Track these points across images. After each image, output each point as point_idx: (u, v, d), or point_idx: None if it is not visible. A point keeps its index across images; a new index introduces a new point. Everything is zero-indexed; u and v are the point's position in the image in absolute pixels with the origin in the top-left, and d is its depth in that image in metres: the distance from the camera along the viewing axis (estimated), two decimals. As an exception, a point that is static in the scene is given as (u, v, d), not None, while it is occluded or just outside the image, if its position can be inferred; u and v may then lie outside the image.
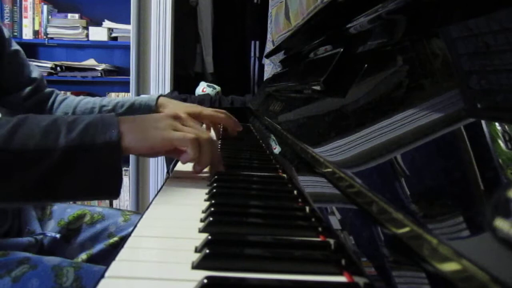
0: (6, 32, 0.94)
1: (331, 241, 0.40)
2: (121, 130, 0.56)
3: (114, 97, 2.63)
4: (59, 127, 0.54)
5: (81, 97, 1.06)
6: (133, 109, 1.01)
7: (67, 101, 1.04)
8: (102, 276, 0.33)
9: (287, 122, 0.84)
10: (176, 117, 0.64)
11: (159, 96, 1.03)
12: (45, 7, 2.63)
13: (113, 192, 0.55)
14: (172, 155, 0.66)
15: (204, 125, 1.02)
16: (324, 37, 0.84)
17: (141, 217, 0.48)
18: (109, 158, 0.54)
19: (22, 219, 0.88)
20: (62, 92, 2.75)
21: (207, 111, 0.97)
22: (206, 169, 0.69)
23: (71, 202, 1.00)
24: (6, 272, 0.68)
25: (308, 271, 0.35)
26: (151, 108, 1.01)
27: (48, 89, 1.04)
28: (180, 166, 0.75)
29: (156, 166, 2.33)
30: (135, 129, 0.58)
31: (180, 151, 0.63)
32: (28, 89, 0.98)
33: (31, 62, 1.03)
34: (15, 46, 0.96)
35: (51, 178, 0.53)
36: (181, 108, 0.99)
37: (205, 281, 0.31)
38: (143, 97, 1.04)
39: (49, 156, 0.52)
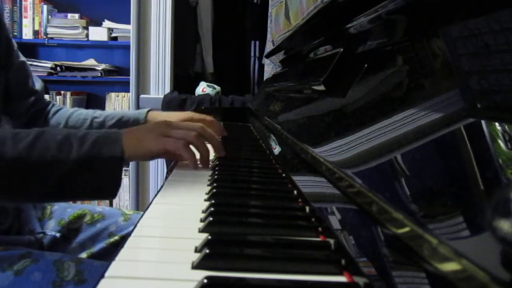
0: (15, 44, 0.98)
1: (331, 241, 0.40)
2: (123, 143, 0.65)
3: (114, 97, 2.64)
4: (71, 141, 0.64)
5: (75, 108, 1.09)
6: (121, 123, 1.04)
7: (61, 112, 1.07)
8: (102, 276, 0.33)
9: (287, 122, 0.84)
10: (168, 124, 0.71)
11: (148, 110, 1.06)
12: (45, 7, 2.63)
13: (112, 195, 0.65)
14: (172, 158, 0.73)
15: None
16: (324, 37, 0.84)
17: (141, 217, 0.48)
18: (112, 169, 0.64)
19: (22, 218, 0.88)
20: (62, 92, 2.73)
21: (197, 120, 0.96)
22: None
23: (71, 202, 1.04)
24: (8, 265, 0.69)
25: (308, 271, 0.35)
26: (139, 122, 1.03)
27: (46, 100, 1.08)
28: (180, 166, 0.76)
29: (156, 166, 2.33)
30: (134, 139, 0.67)
31: (178, 155, 0.70)
32: (32, 98, 1.02)
33: (32, 66, 1.06)
34: (22, 58, 1.00)
35: (63, 184, 0.63)
36: (173, 117, 1.02)
37: (205, 281, 0.31)
38: (133, 111, 1.08)
39: (62, 166, 0.62)
